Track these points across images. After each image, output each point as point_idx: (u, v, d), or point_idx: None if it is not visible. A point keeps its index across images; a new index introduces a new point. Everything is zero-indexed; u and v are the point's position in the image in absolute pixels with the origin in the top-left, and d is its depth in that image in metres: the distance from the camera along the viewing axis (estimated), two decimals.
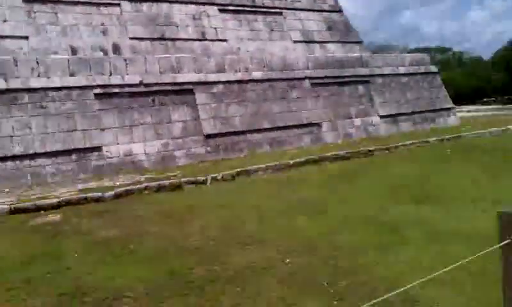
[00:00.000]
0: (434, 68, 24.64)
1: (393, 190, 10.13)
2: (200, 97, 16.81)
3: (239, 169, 13.48)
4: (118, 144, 15.20)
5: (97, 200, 11.03)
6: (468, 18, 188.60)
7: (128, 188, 11.91)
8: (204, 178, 12.81)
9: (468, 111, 43.28)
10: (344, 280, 5.12)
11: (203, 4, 19.73)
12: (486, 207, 7.92)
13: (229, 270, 5.90)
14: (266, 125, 17.92)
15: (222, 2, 20.33)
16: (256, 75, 18.31)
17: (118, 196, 11.29)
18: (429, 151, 15.89)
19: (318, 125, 19.36)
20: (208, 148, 16.45)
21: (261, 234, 7.31)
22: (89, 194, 11.15)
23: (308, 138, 18.87)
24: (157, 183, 12.29)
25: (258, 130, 17.73)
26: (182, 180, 12.58)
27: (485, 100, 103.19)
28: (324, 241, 6.73)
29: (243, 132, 17.37)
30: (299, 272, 5.60)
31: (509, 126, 21.24)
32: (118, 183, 12.74)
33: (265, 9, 21.59)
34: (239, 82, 17.83)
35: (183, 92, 16.62)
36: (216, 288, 5.33)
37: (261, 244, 6.85)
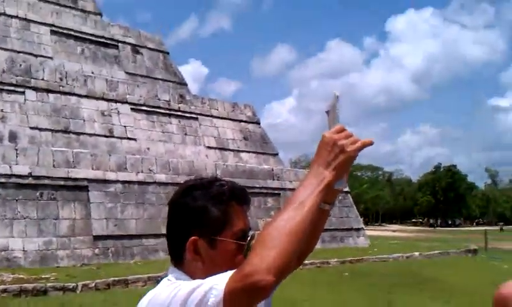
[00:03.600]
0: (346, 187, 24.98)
1: None
2: (95, 195, 16.09)
3: (116, 278, 12.63)
4: None
5: None
6: (403, 141, 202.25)
7: None
8: (74, 284, 11.87)
9: (394, 231, 44.03)
10: None
11: (116, 101, 19.48)
12: None
13: None
14: (164, 231, 17.15)
15: (135, 102, 20.17)
16: (160, 177, 17.87)
17: None
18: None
19: None
20: (96, 250, 15.52)
21: None
22: None
23: None
24: (19, 286, 11.26)
25: (156, 236, 16.98)
26: (48, 285, 11.61)
27: (413, 220, 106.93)
28: None
29: (138, 236, 16.59)
30: None
31: (415, 253, 21.56)
32: None
33: (180, 113, 21.58)
34: (141, 183, 17.29)
35: (76, 188, 15.88)
36: None
37: None
